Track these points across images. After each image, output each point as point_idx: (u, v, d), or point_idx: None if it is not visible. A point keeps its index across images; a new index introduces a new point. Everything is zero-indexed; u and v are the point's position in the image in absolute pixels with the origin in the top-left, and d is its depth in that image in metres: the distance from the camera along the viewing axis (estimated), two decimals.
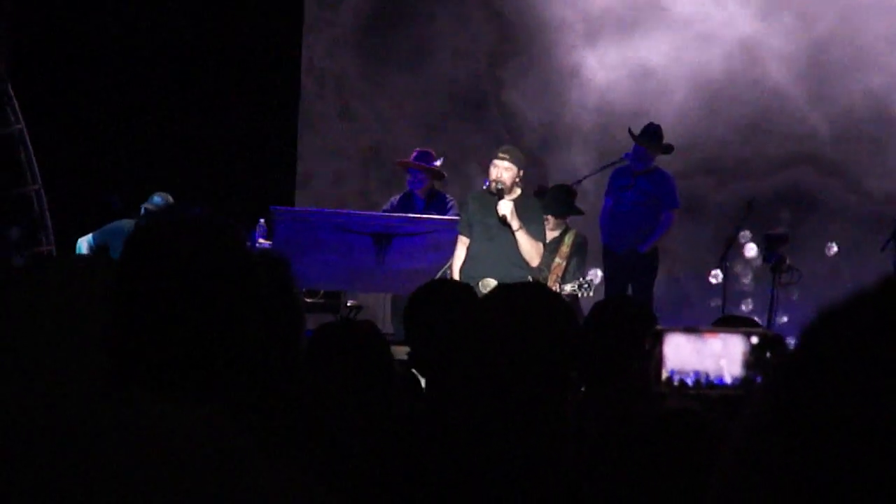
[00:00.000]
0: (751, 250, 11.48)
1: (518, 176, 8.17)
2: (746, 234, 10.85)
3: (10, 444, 1.47)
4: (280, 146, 12.22)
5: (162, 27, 11.80)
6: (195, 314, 1.58)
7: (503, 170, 8.14)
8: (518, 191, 8.23)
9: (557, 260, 8.64)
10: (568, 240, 8.75)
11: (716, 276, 11.15)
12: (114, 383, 1.56)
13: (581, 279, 8.41)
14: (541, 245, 8.15)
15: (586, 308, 6.28)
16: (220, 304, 1.59)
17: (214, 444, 1.45)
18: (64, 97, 11.39)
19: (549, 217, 8.76)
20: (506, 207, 8.07)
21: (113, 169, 11.13)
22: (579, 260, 8.76)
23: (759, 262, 11.32)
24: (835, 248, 11.34)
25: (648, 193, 9.71)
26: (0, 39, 11.09)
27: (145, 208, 9.64)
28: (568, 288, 8.33)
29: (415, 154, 9.64)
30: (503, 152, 8.30)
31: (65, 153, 11.12)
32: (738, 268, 11.41)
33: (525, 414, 2.35)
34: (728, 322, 3.75)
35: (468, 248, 8.27)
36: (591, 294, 8.31)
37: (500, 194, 8.12)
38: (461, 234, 8.31)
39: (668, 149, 9.87)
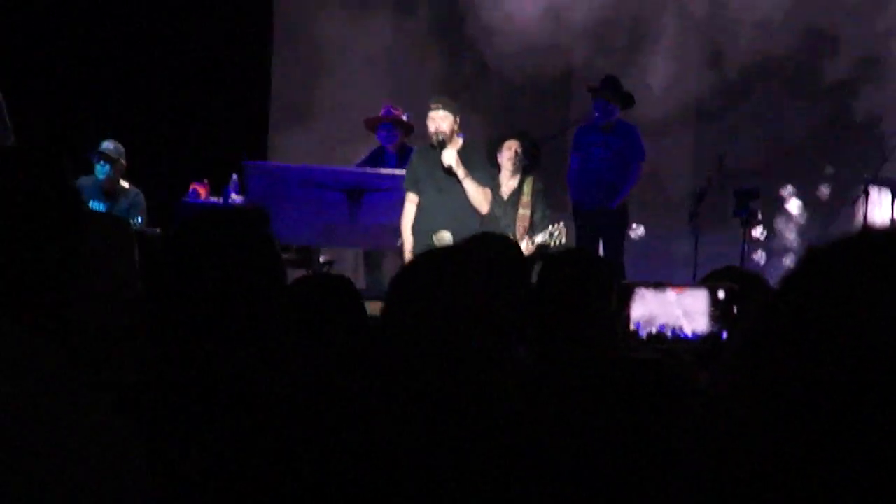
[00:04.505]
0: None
1: (456, 123, 8.23)
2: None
3: None
4: (253, 101, 12.17)
5: None
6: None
7: (440, 120, 8.21)
8: (459, 139, 8.30)
9: (521, 211, 8.47)
10: (527, 188, 8.54)
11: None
12: None
13: (550, 227, 8.29)
14: (488, 191, 8.22)
15: None
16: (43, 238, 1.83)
17: (28, 363, 1.54)
18: (32, 47, 11.32)
19: (508, 166, 8.65)
20: (450, 157, 8.15)
21: (85, 121, 11.07)
22: (544, 208, 8.56)
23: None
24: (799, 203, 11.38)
25: (616, 148, 9.69)
26: None
27: (98, 153, 9.70)
28: (539, 238, 8.21)
29: (384, 109, 9.64)
30: (436, 102, 8.33)
31: (37, 106, 11.05)
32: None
33: (474, 366, 2.40)
34: (716, 277, 3.72)
35: (419, 204, 8.32)
36: (564, 241, 8.21)
37: (441, 145, 8.19)
38: (408, 191, 8.34)
39: (629, 99, 9.87)
